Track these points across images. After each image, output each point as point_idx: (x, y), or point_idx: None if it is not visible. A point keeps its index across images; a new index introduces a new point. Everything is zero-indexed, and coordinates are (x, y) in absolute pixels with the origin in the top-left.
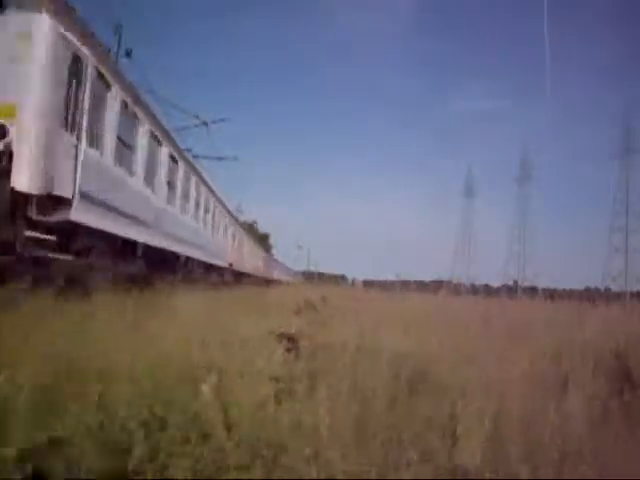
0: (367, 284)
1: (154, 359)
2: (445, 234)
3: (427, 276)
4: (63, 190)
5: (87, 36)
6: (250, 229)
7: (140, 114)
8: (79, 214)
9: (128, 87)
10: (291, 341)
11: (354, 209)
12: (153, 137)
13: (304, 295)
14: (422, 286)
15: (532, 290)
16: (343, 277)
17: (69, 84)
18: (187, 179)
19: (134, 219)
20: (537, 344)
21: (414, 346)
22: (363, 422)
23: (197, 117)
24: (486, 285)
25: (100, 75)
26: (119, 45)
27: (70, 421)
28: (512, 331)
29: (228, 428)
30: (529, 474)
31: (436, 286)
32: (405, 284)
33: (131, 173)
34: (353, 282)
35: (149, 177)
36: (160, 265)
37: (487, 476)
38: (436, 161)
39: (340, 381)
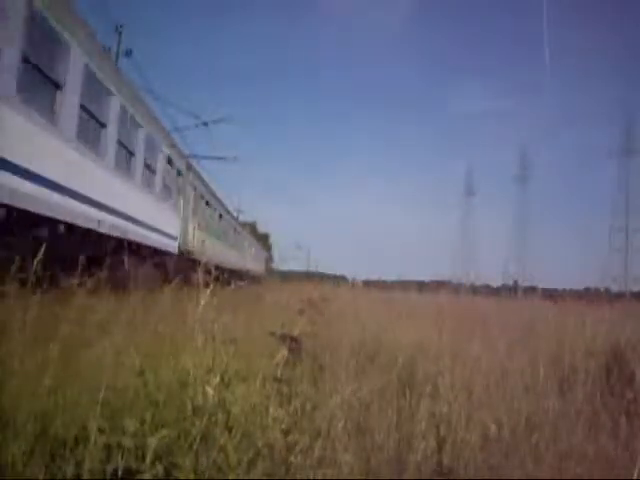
0: (367, 284)
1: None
2: (445, 234)
3: (427, 276)
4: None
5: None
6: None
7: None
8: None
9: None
10: (294, 341)
11: (354, 209)
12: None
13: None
14: (422, 286)
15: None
16: (343, 277)
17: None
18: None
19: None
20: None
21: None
22: (365, 422)
23: (197, 117)
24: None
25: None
26: (119, 45)
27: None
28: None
29: (229, 429)
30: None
31: (436, 286)
32: (405, 284)
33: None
34: (353, 282)
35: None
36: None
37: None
38: (436, 161)
39: (341, 381)
